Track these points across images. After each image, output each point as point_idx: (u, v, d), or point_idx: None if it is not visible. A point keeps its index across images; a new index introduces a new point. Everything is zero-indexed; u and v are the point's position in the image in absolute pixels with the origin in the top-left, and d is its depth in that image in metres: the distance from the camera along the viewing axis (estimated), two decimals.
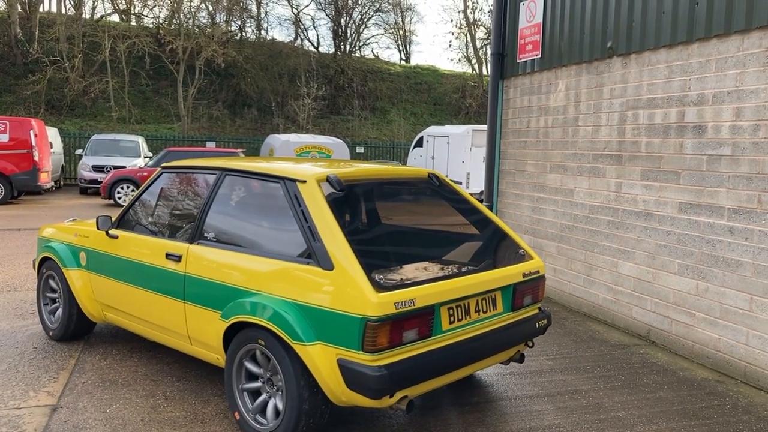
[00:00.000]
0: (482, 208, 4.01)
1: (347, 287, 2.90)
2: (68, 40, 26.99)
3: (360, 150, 25.98)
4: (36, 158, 14.67)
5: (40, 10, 29.57)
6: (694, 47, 4.79)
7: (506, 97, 7.46)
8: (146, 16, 31.19)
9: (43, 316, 4.95)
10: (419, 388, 3.09)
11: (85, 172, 17.57)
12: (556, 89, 6.47)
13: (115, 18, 32.53)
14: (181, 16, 28.90)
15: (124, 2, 32.13)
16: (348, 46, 35.32)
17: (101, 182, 16.88)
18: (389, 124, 32.52)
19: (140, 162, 18.08)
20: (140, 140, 19.82)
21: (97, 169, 17.42)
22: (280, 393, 3.21)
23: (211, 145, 23.23)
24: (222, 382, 4.08)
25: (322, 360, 2.95)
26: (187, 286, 3.63)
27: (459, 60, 37.12)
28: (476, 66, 36.65)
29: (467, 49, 36.96)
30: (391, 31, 38.73)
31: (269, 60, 31.45)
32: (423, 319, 3.02)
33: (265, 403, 3.29)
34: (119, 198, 14.89)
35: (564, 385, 4.20)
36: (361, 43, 36.35)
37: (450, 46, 38.20)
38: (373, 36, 35.96)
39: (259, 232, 3.51)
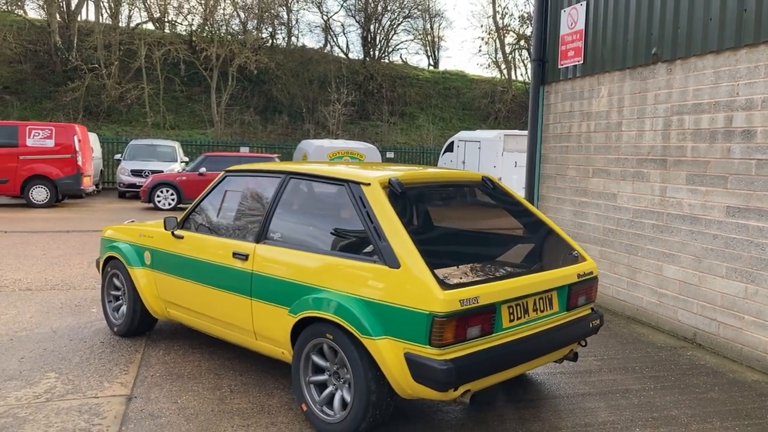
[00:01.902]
0: (535, 210, 4.13)
1: (414, 285, 3.04)
2: (105, 47, 27.69)
3: (390, 155, 26.17)
4: (80, 163, 15.12)
5: (79, 19, 30.39)
6: (743, 53, 4.85)
7: (547, 102, 7.56)
8: (180, 24, 31.85)
9: (107, 313, 5.19)
10: (482, 382, 3.22)
11: (124, 176, 18.03)
12: (599, 95, 6.56)
13: (150, 26, 33.26)
14: (213, 23, 29.46)
15: (158, 11, 32.86)
16: (377, 52, 35.59)
17: (139, 186, 17.33)
18: (418, 130, 32.69)
19: (177, 166, 18.50)
20: (176, 145, 20.28)
21: (136, 173, 17.86)
22: (347, 385, 3.37)
23: (244, 150, 23.58)
24: (283, 376, 4.26)
25: (389, 353, 3.10)
26: (254, 283, 3.81)
27: (488, 65, 36.99)
28: (505, 71, 36.63)
29: (496, 54, 36.93)
30: (419, 37, 38.90)
31: (300, 66, 31.86)
32: (485, 317, 3.15)
33: (331, 396, 3.45)
34: (158, 202, 15.27)
35: (614, 385, 4.29)
36: (391, 49, 36.61)
37: (480, 51, 38.17)
38: (402, 42, 36.12)
39: (324, 232, 3.68)
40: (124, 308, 5.06)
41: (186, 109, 29.75)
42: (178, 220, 4.53)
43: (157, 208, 15.18)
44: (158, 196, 15.28)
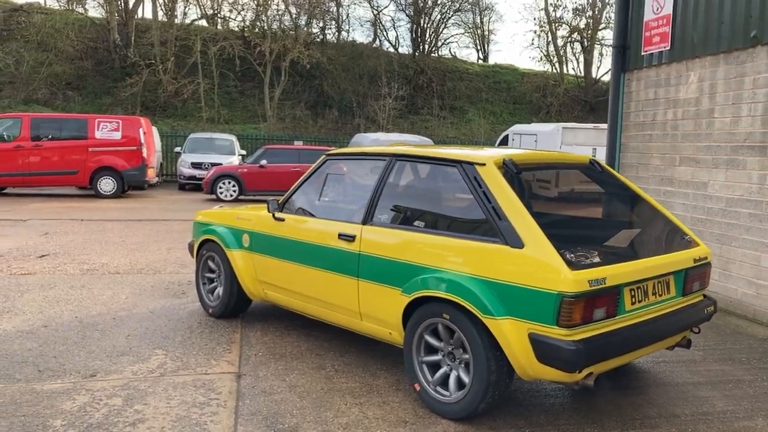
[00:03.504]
0: (644, 194, 4.05)
1: (540, 264, 3.02)
2: (162, 44, 28.33)
3: None
4: (144, 155, 15.51)
5: (136, 16, 31.16)
6: None
7: (628, 90, 7.40)
8: (233, 19, 32.35)
9: (202, 295, 5.30)
10: (604, 365, 3.17)
11: (184, 168, 18.42)
12: (687, 81, 6.38)
13: (204, 22, 33.88)
14: (266, 19, 29.82)
15: (211, 8, 33.42)
16: (426, 46, 35.47)
17: (199, 178, 17.69)
18: (468, 124, 32.49)
19: (235, 159, 18.81)
20: (234, 139, 20.62)
21: (196, 165, 18.22)
22: (462, 365, 3.36)
23: (298, 144, 23.82)
24: (384, 357, 4.28)
25: (512, 334, 3.08)
26: (362, 264, 3.84)
27: (540, 59, 36.45)
28: (557, 65, 36.05)
29: (548, 47, 36.35)
30: (469, 31, 38.61)
31: (350, 61, 32.00)
32: (611, 298, 3.10)
33: (445, 376, 3.45)
34: (221, 193, 15.55)
35: (723, 375, 4.18)
36: (440, 43, 36.42)
37: (533, 43, 37.68)
38: (452, 36, 35.90)
39: (436, 213, 3.68)
40: (219, 290, 5.17)
41: (239, 104, 30.23)
42: (279, 202, 4.59)
43: (219, 200, 15.47)
44: (220, 188, 15.56)
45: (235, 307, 5.08)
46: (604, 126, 20.21)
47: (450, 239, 3.42)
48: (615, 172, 4.08)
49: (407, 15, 35.11)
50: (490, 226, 3.27)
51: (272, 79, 28.30)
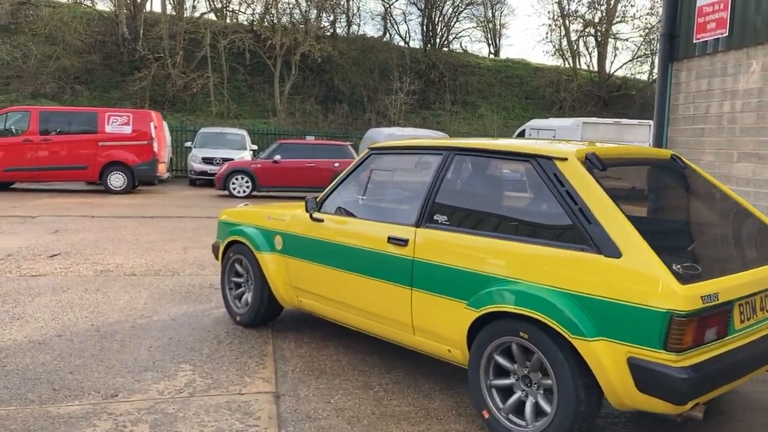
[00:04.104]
0: (732, 193, 3.59)
1: (642, 277, 2.57)
2: (171, 37, 27.90)
3: None
4: (155, 149, 15.11)
5: (145, 9, 30.75)
6: None
7: (676, 81, 6.92)
8: (243, 12, 31.91)
9: (228, 301, 4.88)
10: (711, 393, 2.73)
11: (195, 164, 18.02)
12: (748, 70, 5.90)
13: (213, 16, 33.44)
14: (275, 12, 29.36)
15: (220, 1, 32.95)
16: (438, 40, 34.95)
17: (211, 174, 17.29)
18: (480, 119, 32.01)
19: (246, 154, 18.40)
20: (245, 133, 20.21)
21: (207, 161, 17.82)
22: (541, 391, 2.92)
23: (310, 139, 23.37)
24: (434, 375, 3.85)
25: (607, 358, 2.64)
26: (417, 272, 3.40)
27: (554, 53, 35.86)
28: (570, 59, 35.49)
29: (561, 42, 35.76)
30: (481, 25, 38.04)
31: (361, 55, 31.52)
32: (723, 316, 2.66)
33: (520, 402, 3.01)
34: (233, 189, 15.12)
35: None
36: (452, 37, 35.89)
37: (547, 36, 37.06)
38: (464, 30, 35.34)
39: (506, 215, 3.24)
40: (247, 296, 4.74)
41: (248, 99, 29.82)
42: (317, 200, 4.15)
43: (231, 196, 15.05)
44: (233, 183, 15.13)
45: (265, 315, 4.66)
46: (626, 121, 19.78)
47: (526, 246, 2.97)
48: (698, 169, 3.63)
49: (418, 9, 34.59)
50: (577, 232, 2.82)
51: (282, 74, 27.86)
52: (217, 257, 5.11)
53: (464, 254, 3.19)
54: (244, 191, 15.20)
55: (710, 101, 6.38)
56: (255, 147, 20.07)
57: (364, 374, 3.86)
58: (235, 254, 4.78)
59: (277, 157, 15.24)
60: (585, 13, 34.12)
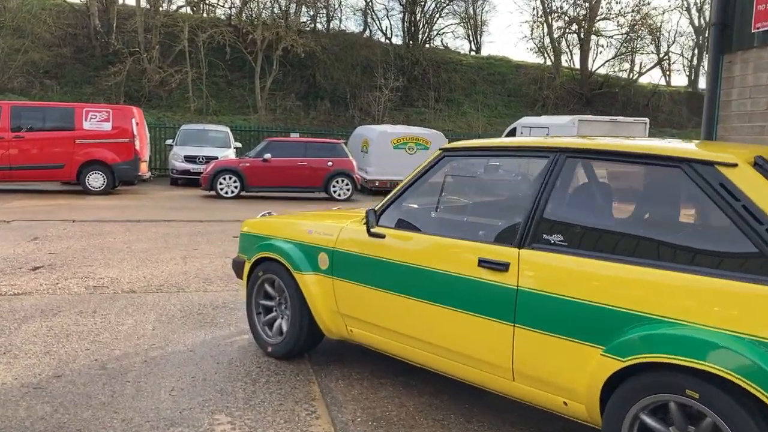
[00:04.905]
0: None
1: None
2: (146, 31, 26.79)
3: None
4: (137, 147, 14.20)
5: (118, 2, 29.54)
6: None
7: (728, 75, 6.36)
8: (221, 6, 30.89)
9: (257, 328, 4.15)
10: None
11: (177, 162, 17.11)
12: None
13: (190, 10, 32.30)
14: (255, 7, 28.43)
15: None
16: (420, 37, 34.32)
17: (194, 173, 16.42)
18: (463, 116, 31.54)
19: (230, 152, 17.55)
20: (228, 130, 19.34)
21: (189, 159, 16.94)
22: None
23: (294, 136, 22.53)
24: (525, 425, 3.18)
25: None
26: (522, 304, 2.73)
27: (537, 50, 35.52)
28: (552, 57, 35.17)
29: (543, 39, 35.45)
30: (463, 22, 37.52)
31: (343, 51, 30.75)
32: None
33: None
34: (221, 189, 14.28)
35: None
36: (435, 34, 35.30)
37: (532, 33, 36.71)
38: (446, 26, 34.78)
39: (650, 236, 2.57)
40: (280, 323, 4.03)
41: (227, 95, 28.87)
42: (376, 212, 3.44)
43: (219, 196, 14.22)
44: (220, 183, 14.29)
45: (303, 346, 3.94)
46: (622, 119, 19.33)
47: (686, 275, 2.32)
48: None
49: (401, 4, 33.90)
50: (762, 259, 2.18)
51: (263, 69, 26.95)
52: (239, 275, 4.38)
53: (595, 285, 2.52)
54: (233, 192, 14.38)
55: None
56: (239, 144, 19.21)
57: (442, 425, 3.18)
58: (266, 273, 4.05)
59: (267, 156, 14.44)
60: (568, 9, 33.85)
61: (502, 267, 2.81)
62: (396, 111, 29.80)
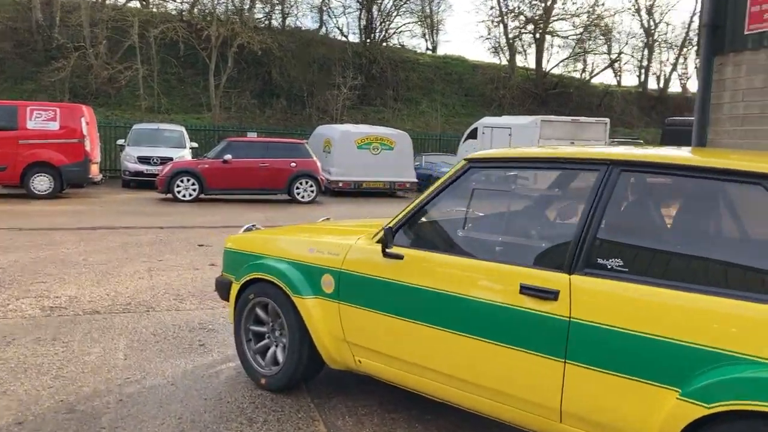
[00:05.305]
0: None
1: None
2: (92, 25, 25.60)
3: None
4: (87, 148, 13.39)
5: None
6: None
7: (720, 78, 6.21)
8: (172, 1, 29.85)
9: (247, 357, 3.69)
10: None
11: (129, 164, 16.32)
12: None
13: (138, 4, 31.09)
14: (208, 2, 27.55)
15: None
16: (377, 35, 33.98)
17: (148, 174, 15.68)
18: (422, 115, 31.38)
19: (187, 153, 16.84)
20: (183, 130, 18.58)
21: (143, 160, 16.17)
22: None
23: (252, 136, 21.85)
24: None
25: None
26: (576, 338, 2.39)
27: (495, 50, 35.64)
28: (508, 56, 35.38)
29: (500, 39, 35.59)
30: (420, 21, 37.34)
31: (299, 48, 30.13)
32: None
33: None
34: (178, 192, 13.61)
35: None
36: (392, 32, 34.98)
37: (489, 33, 36.82)
38: (404, 24, 34.50)
39: (728, 259, 2.26)
40: (275, 352, 3.60)
41: (179, 93, 27.93)
42: (392, 229, 3.04)
43: (176, 199, 13.54)
44: (178, 186, 13.61)
45: (302, 377, 3.52)
46: (584, 119, 19.41)
47: None
48: None
49: (357, 1, 33.45)
50: None
51: (218, 66, 26.09)
52: (224, 297, 3.93)
53: (669, 318, 2.20)
54: (191, 195, 13.72)
55: (766, 100, 5.69)
56: (195, 144, 18.48)
57: None
58: (258, 296, 3.61)
59: (228, 157, 13.84)
60: (525, 10, 34.07)
61: (549, 295, 2.47)
62: (354, 110, 29.39)
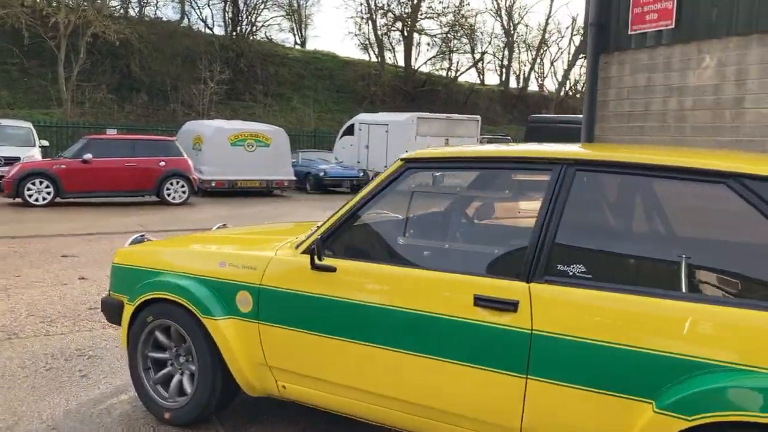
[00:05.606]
0: None
1: None
2: None
3: None
4: None
5: None
6: None
7: (605, 76, 6.44)
8: None
9: (146, 389, 3.19)
10: None
11: None
12: (700, 66, 5.54)
13: None
14: None
15: None
16: (244, 28, 32.90)
17: None
18: (293, 111, 30.85)
19: (36, 152, 15.16)
20: (30, 126, 16.74)
21: None
22: None
23: (111, 133, 20.20)
24: None
25: None
26: (538, 352, 2.21)
27: (365, 46, 35.81)
28: (377, 53, 35.72)
29: (369, 36, 35.84)
30: (288, 15, 36.66)
31: (161, 40, 28.43)
32: None
33: None
34: (29, 196, 12.17)
35: None
36: (259, 25, 34.04)
37: (360, 29, 36.89)
38: (272, 18, 33.66)
39: (699, 263, 2.17)
40: (180, 380, 3.14)
41: (22, 85, 25.36)
42: (323, 237, 2.70)
43: (27, 204, 12.11)
44: (29, 189, 12.16)
45: (215, 407, 3.09)
46: (457, 117, 19.92)
47: (764, 314, 1.95)
48: None
49: None
50: None
51: (69, 57, 23.90)
52: (113, 320, 3.38)
53: (639, 326, 2.08)
54: (44, 198, 12.33)
55: (651, 98, 5.97)
56: (46, 143, 16.74)
57: None
58: (157, 318, 3.12)
59: (87, 156, 12.60)
60: (393, 7, 34.50)
61: (509, 306, 2.27)
62: (222, 105, 28.24)
